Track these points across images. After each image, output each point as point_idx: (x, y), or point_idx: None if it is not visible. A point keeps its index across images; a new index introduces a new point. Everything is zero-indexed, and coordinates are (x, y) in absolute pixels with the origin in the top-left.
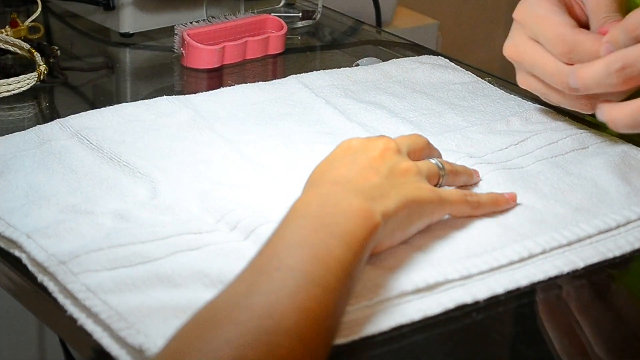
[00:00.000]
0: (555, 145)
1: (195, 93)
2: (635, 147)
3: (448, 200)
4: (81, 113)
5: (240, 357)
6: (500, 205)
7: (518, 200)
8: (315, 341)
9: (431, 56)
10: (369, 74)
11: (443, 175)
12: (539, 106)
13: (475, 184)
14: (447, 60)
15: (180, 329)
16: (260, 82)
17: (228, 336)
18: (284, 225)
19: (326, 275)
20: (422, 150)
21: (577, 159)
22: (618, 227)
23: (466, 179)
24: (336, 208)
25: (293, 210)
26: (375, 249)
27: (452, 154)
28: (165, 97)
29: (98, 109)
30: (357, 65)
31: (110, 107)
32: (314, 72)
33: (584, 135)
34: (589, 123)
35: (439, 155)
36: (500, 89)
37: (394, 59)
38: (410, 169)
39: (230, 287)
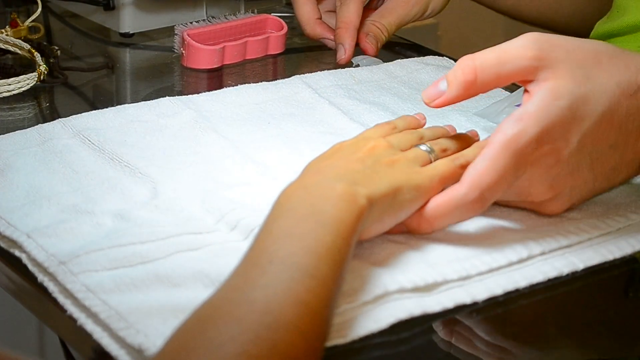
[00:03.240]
0: None
1: (195, 93)
2: None
3: (437, 175)
4: (83, 113)
5: (244, 354)
6: None
7: None
8: (315, 333)
9: (436, 57)
10: (373, 74)
11: (434, 158)
12: None
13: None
14: (452, 61)
15: (181, 326)
16: (264, 82)
17: (231, 333)
18: (271, 218)
19: (319, 265)
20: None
21: None
22: (618, 228)
23: (462, 146)
24: (320, 196)
25: (278, 203)
26: (366, 234)
27: None
28: (167, 97)
29: (100, 110)
30: (357, 65)
31: (112, 107)
32: (318, 72)
33: None
34: None
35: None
36: (505, 90)
37: (398, 60)
38: (398, 160)
39: (226, 284)
